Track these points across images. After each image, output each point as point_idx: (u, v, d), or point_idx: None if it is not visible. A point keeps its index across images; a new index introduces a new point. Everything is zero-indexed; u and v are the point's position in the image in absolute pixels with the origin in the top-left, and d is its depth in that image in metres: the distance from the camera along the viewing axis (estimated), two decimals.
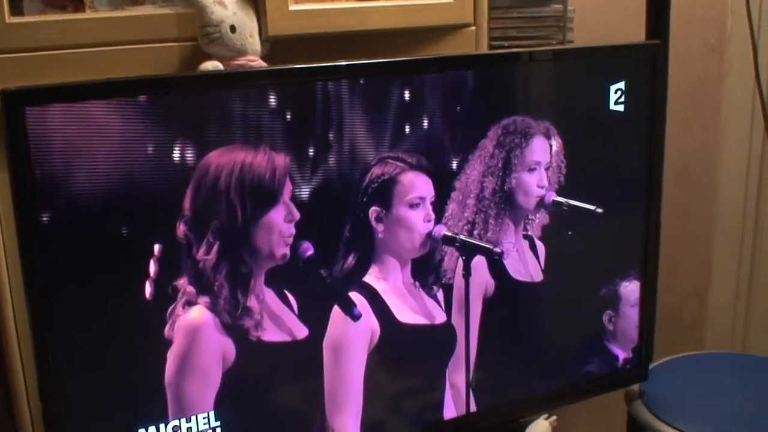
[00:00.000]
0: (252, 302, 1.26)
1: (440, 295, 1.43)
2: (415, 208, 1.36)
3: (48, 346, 1.16)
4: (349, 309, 1.33)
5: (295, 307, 1.31)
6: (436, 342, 1.46)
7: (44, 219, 1.11)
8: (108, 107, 1.14)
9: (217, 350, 1.25)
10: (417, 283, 1.41)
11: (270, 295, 1.29)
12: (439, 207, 1.38)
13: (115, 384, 1.22)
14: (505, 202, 1.44)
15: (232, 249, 1.23)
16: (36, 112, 1.09)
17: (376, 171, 1.33)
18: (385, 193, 1.34)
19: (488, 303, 1.48)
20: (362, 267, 1.35)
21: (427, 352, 1.46)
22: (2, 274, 1.33)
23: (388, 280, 1.37)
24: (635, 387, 1.78)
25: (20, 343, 1.35)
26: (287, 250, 1.27)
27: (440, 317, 1.44)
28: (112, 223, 1.16)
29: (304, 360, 1.33)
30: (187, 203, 1.20)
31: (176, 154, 1.19)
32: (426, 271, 1.41)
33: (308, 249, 1.28)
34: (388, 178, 1.34)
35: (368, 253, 1.35)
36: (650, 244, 1.61)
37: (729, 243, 2.38)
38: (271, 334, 1.29)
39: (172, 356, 1.24)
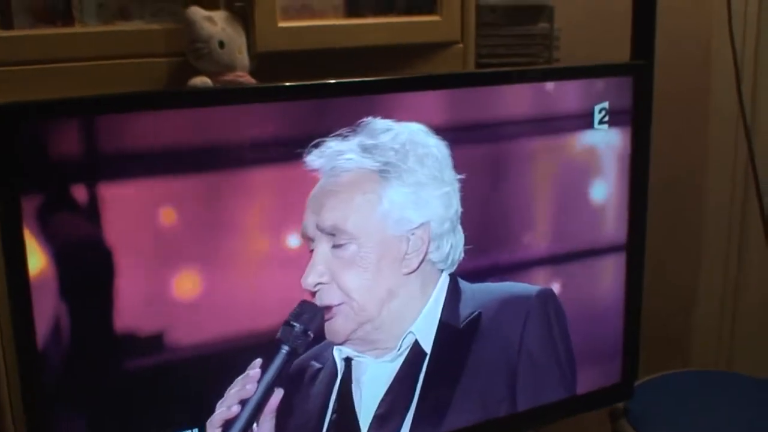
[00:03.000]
0: None
1: None
2: None
3: (33, 351, 1.15)
4: None
5: None
6: None
7: (33, 231, 1.11)
8: (97, 122, 1.14)
9: None
10: None
11: None
12: None
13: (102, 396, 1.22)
14: None
15: None
16: (25, 127, 1.09)
17: None
18: None
19: None
20: None
21: None
22: None
23: None
24: (620, 405, 1.78)
25: (4, 348, 1.35)
26: None
27: None
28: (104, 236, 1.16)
29: None
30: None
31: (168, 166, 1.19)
32: None
33: None
34: None
35: None
36: (635, 260, 1.62)
37: (715, 258, 2.39)
38: None
39: None
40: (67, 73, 1.36)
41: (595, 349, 1.60)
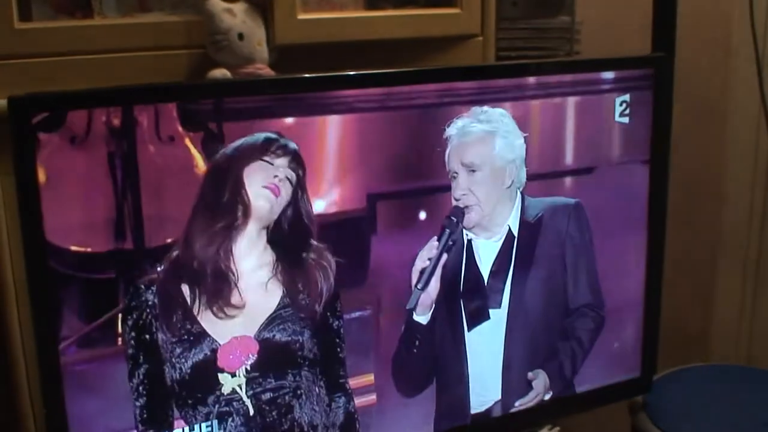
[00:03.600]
0: None
1: None
2: None
3: (51, 347, 1.17)
4: None
5: None
6: None
7: (49, 225, 1.12)
8: (116, 114, 1.14)
9: None
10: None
11: None
12: None
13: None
14: None
15: None
16: (43, 119, 1.09)
17: None
18: None
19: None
20: None
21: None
22: (7, 277, 1.33)
23: None
24: (639, 398, 1.78)
25: (24, 345, 1.36)
26: None
27: None
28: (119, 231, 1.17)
29: None
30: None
31: (183, 159, 1.21)
32: None
33: None
34: None
35: None
36: (655, 255, 1.61)
37: (734, 254, 2.38)
38: None
39: None
40: (86, 66, 1.36)
41: (615, 341, 1.60)
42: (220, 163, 1.25)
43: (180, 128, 1.20)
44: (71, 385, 1.19)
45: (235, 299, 1.28)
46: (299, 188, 1.31)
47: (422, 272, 1.42)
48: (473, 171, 1.43)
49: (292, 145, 1.29)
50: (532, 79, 1.47)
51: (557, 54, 1.85)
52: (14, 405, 1.39)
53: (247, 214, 1.27)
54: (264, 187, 1.29)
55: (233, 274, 1.28)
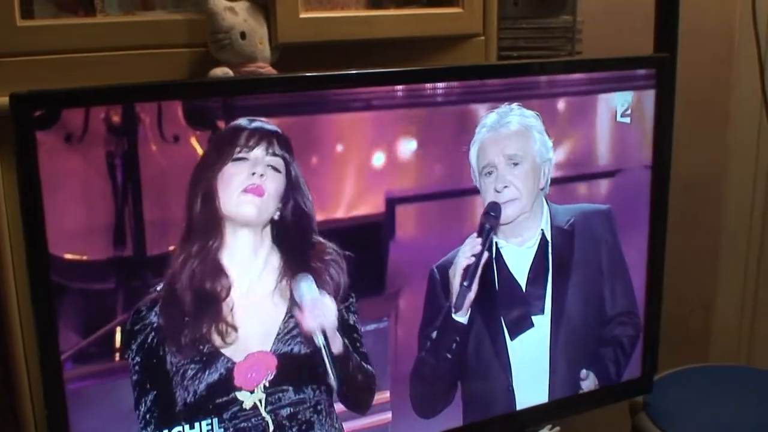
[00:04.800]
0: None
1: None
2: None
3: (53, 349, 1.16)
4: None
5: None
6: None
7: (51, 223, 1.11)
8: (120, 112, 1.14)
9: None
10: None
11: None
12: None
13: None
14: None
15: None
16: (45, 117, 1.09)
17: None
18: None
19: None
20: None
21: None
22: (8, 275, 1.33)
23: None
24: (639, 399, 1.78)
25: (25, 346, 1.36)
26: None
27: None
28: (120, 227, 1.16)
29: None
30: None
31: (185, 158, 1.19)
32: None
33: None
34: None
35: None
36: (656, 255, 1.61)
37: (735, 255, 2.38)
38: None
39: None
40: (88, 63, 1.36)
41: (591, 330, 1.60)
42: (194, 178, 1.17)
43: (185, 127, 1.18)
44: (74, 398, 1.17)
45: (239, 316, 1.21)
46: (290, 173, 1.23)
47: (467, 269, 1.38)
48: (516, 164, 1.40)
49: (268, 127, 1.20)
50: (543, 79, 1.46)
51: (559, 53, 1.85)
52: (16, 412, 1.39)
53: (223, 231, 1.19)
54: (243, 192, 1.20)
55: (230, 290, 1.20)
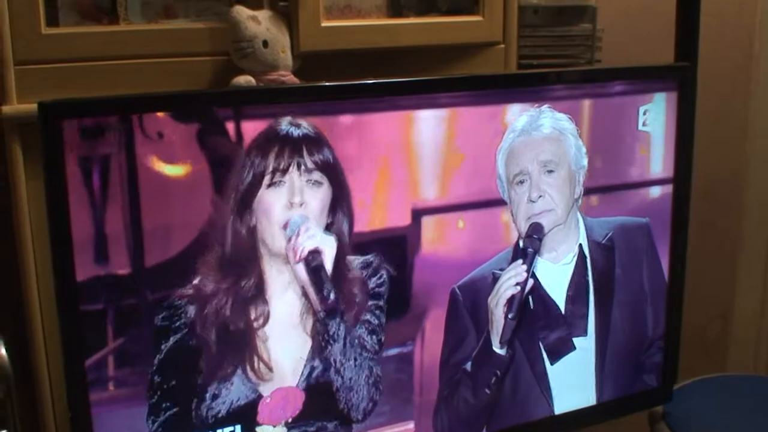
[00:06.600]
0: None
1: None
2: None
3: (77, 351, 1.17)
4: None
5: None
6: None
7: (77, 230, 1.12)
8: (147, 121, 1.14)
9: None
10: None
11: None
12: None
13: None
14: None
15: None
16: (72, 125, 1.10)
17: None
18: None
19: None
20: None
21: None
22: (31, 279, 1.34)
23: None
24: (659, 408, 1.78)
25: (47, 348, 1.37)
26: None
27: None
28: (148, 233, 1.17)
29: None
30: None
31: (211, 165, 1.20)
32: None
33: None
34: None
35: None
36: (676, 264, 1.61)
37: (754, 264, 2.37)
38: None
39: None
40: (111, 71, 1.37)
41: (636, 352, 1.59)
42: (230, 201, 1.14)
43: (209, 137, 1.18)
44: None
45: (268, 355, 1.19)
46: (334, 184, 1.19)
47: (511, 300, 1.29)
48: (550, 171, 1.31)
49: (297, 132, 1.17)
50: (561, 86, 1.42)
51: (579, 62, 1.85)
52: (37, 418, 1.40)
53: (261, 264, 1.16)
54: (282, 228, 1.16)
55: (257, 328, 1.17)
